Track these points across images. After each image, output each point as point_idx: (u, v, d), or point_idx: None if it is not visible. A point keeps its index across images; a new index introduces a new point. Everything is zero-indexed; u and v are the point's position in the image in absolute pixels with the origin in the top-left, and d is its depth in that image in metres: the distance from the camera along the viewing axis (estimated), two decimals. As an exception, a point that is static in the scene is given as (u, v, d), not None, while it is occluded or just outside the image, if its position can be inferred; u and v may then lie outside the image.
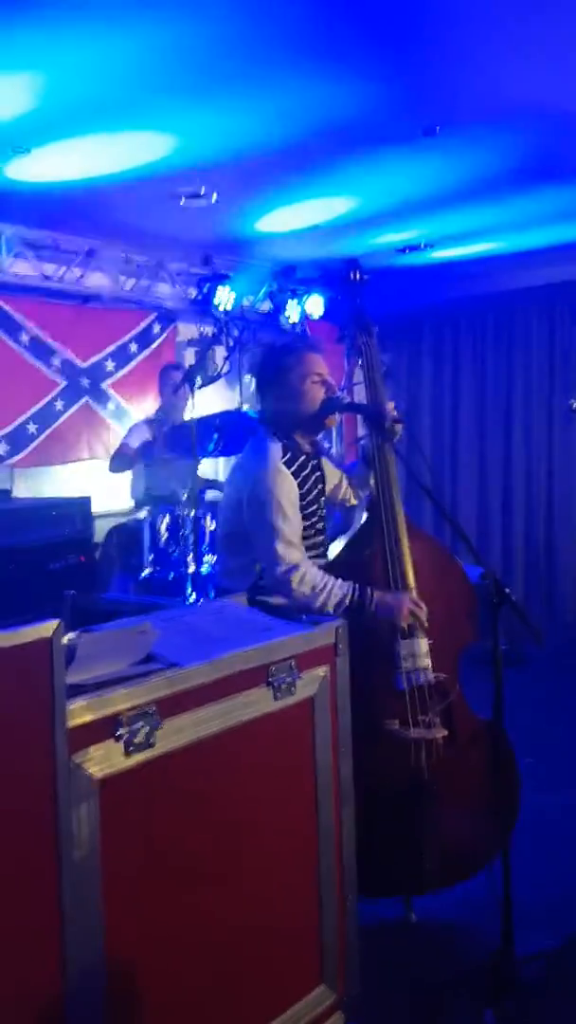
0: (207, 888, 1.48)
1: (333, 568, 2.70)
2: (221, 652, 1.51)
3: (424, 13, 2.80)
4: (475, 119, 3.67)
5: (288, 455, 2.70)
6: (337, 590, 2.55)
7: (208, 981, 1.49)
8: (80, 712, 1.34)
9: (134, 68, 3.03)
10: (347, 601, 2.53)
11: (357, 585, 2.56)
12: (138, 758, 1.38)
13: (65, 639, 1.32)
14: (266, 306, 6.15)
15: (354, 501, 3.12)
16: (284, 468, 2.65)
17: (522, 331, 6.71)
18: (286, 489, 2.62)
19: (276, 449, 2.69)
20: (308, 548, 2.73)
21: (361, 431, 4.37)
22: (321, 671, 1.71)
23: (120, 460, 5.16)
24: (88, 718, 1.35)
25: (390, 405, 2.89)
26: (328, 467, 2.98)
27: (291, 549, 2.58)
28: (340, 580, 2.57)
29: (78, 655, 1.40)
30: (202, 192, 4.34)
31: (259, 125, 3.63)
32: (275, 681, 1.61)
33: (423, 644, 2.65)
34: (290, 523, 2.60)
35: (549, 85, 3.33)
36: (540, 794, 3.82)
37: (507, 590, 2.50)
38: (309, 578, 2.54)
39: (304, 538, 2.71)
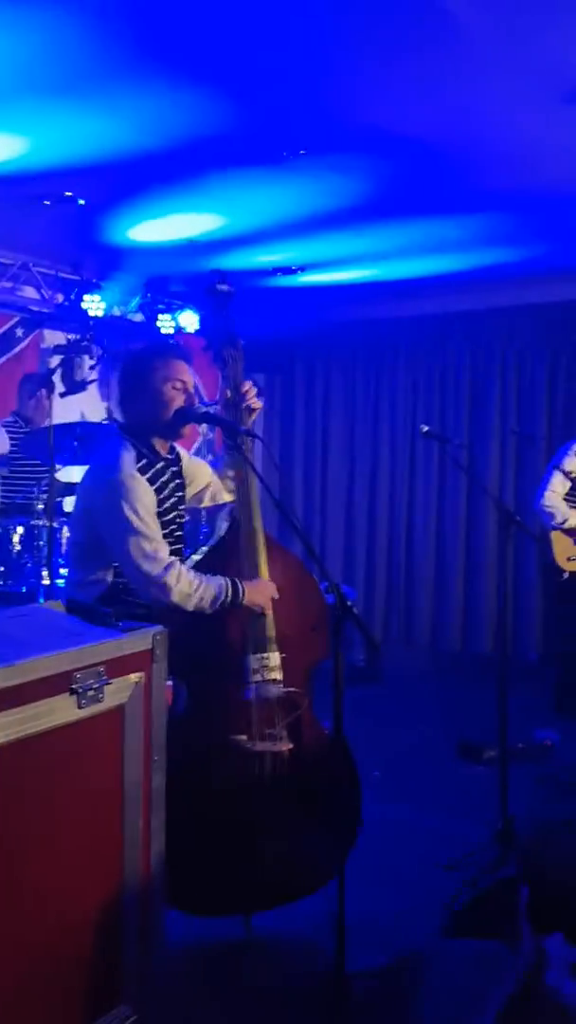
0: (-4, 905, 1.41)
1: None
2: (20, 657, 1.45)
3: (289, 36, 2.85)
4: (338, 144, 3.74)
5: (143, 462, 2.65)
6: (212, 586, 2.52)
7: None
8: None
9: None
10: (224, 594, 2.52)
11: (229, 581, 2.55)
12: None
13: None
14: (138, 317, 6.08)
15: (226, 497, 3.04)
16: (139, 475, 2.60)
17: (391, 358, 6.89)
18: (141, 495, 2.57)
19: (129, 456, 2.62)
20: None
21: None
22: (134, 678, 1.67)
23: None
24: None
25: (251, 392, 2.87)
26: (193, 470, 2.92)
27: (160, 548, 2.54)
28: (210, 577, 2.55)
29: None
30: (68, 195, 4.26)
31: (123, 131, 3.60)
32: (79, 688, 1.55)
33: (275, 657, 2.64)
34: (149, 526, 2.55)
35: (411, 115, 3.44)
36: (384, 807, 3.87)
37: (349, 603, 2.51)
38: (186, 575, 2.51)
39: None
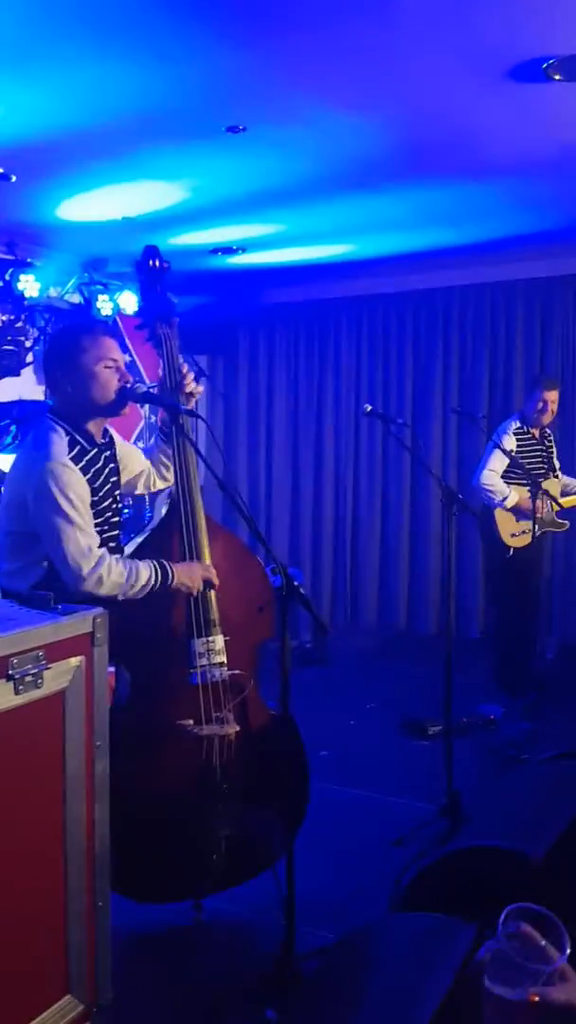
0: None
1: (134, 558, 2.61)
2: (-48, 643, 1.40)
3: (223, 9, 2.78)
4: (278, 120, 3.69)
5: (76, 449, 2.56)
6: (143, 572, 2.48)
7: None
8: None
9: None
10: (153, 579, 2.48)
11: (156, 564, 2.50)
12: None
13: None
14: (75, 298, 5.96)
15: (160, 484, 2.99)
16: (71, 463, 2.50)
17: (334, 339, 6.88)
18: (75, 485, 2.48)
19: (61, 443, 2.53)
20: (102, 543, 2.62)
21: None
22: (74, 662, 1.62)
23: None
24: None
25: (188, 377, 2.81)
26: (126, 455, 2.85)
27: (92, 540, 2.48)
28: (139, 562, 2.50)
29: None
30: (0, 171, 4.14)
31: (55, 107, 3.49)
32: (16, 674, 1.50)
33: (219, 641, 2.62)
34: (83, 516, 2.48)
35: (350, 92, 3.40)
36: (332, 786, 3.89)
37: (296, 583, 2.50)
38: (116, 565, 2.45)
39: (98, 534, 2.60)
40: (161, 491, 3.06)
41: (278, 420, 7.10)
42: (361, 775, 4.12)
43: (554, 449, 5.02)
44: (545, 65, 3.13)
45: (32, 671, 1.53)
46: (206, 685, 2.59)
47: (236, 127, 3.74)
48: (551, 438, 5.02)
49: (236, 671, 2.65)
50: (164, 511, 2.78)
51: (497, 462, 4.72)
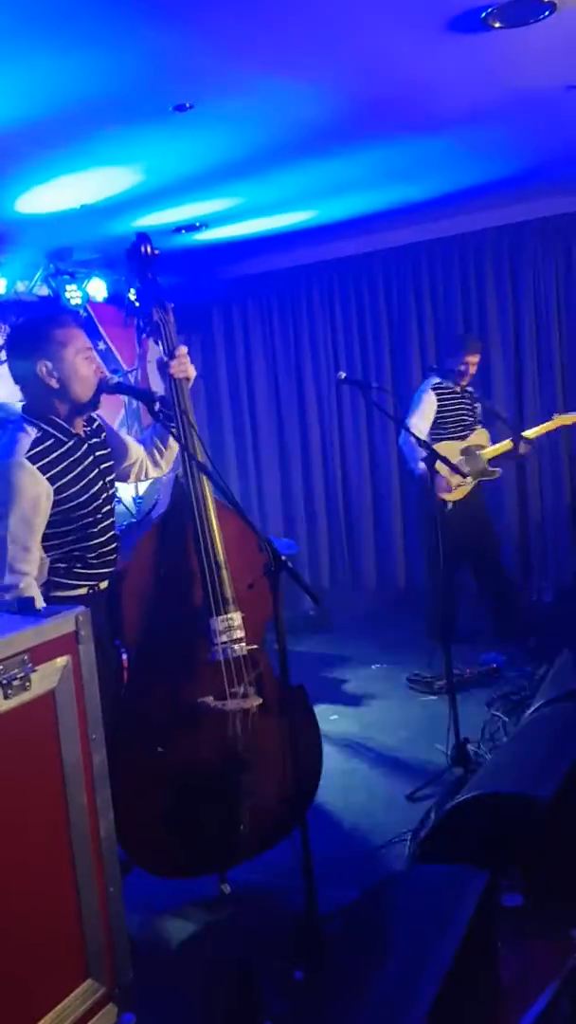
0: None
1: (144, 548, 2.63)
2: None
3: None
4: (226, 94, 3.65)
5: (50, 441, 2.53)
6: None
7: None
8: None
9: None
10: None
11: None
12: None
13: None
14: (44, 290, 5.93)
15: (153, 472, 2.98)
16: (28, 464, 2.44)
17: (307, 306, 6.85)
18: (24, 485, 2.42)
19: (25, 442, 2.48)
20: (90, 534, 2.62)
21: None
22: (61, 662, 1.66)
23: None
24: None
25: (182, 351, 2.79)
26: (118, 444, 2.83)
27: (17, 553, 2.40)
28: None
29: None
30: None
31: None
32: (3, 679, 1.54)
33: (236, 617, 2.66)
34: (21, 526, 2.41)
35: (293, 58, 3.37)
36: (343, 745, 3.96)
37: (283, 557, 2.53)
38: (25, 592, 2.38)
39: (84, 525, 2.60)
40: (156, 479, 3.06)
41: (260, 394, 7.08)
42: (371, 734, 4.19)
43: (478, 404, 5.10)
44: (484, 14, 3.09)
45: (19, 675, 1.57)
46: (227, 661, 2.63)
47: (183, 105, 3.70)
48: (473, 394, 5.09)
49: (253, 646, 2.70)
50: (169, 496, 2.78)
51: (417, 418, 4.81)
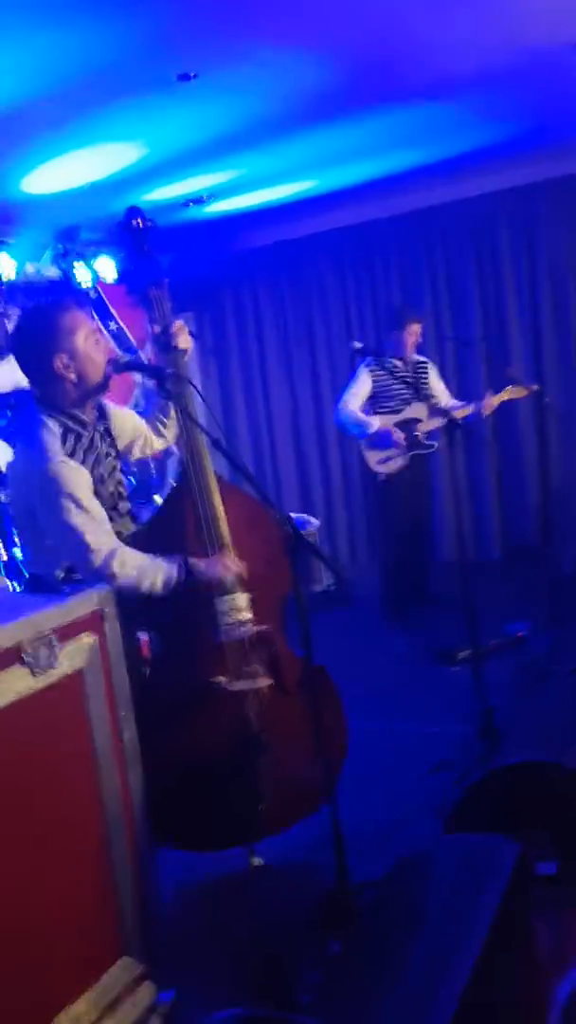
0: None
1: (149, 535, 2.60)
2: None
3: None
4: (230, 63, 3.59)
5: (71, 439, 2.49)
6: (162, 573, 2.46)
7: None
8: None
9: None
10: (173, 579, 2.46)
11: (181, 561, 2.48)
12: None
13: None
14: (53, 271, 5.88)
15: (158, 444, 2.93)
16: (69, 461, 2.43)
17: (317, 278, 6.77)
18: (76, 482, 2.42)
19: (55, 439, 2.46)
20: (112, 524, 2.60)
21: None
22: (87, 640, 1.65)
23: None
24: None
25: (182, 330, 2.74)
26: (120, 423, 2.78)
27: (102, 537, 2.43)
28: (162, 559, 2.48)
29: None
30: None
31: (1, 81, 3.42)
32: (30, 659, 1.53)
33: (241, 599, 2.64)
34: (90, 512, 2.43)
35: (298, 25, 3.30)
36: (368, 720, 3.94)
37: (308, 535, 2.50)
38: (130, 559, 2.43)
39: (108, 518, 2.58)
40: (167, 451, 3.03)
41: (272, 368, 7.03)
42: (396, 707, 4.18)
43: (430, 375, 5.11)
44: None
45: (46, 654, 1.55)
46: (232, 642, 2.62)
47: (187, 75, 3.65)
48: (425, 364, 5.12)
49: (263, 626, 2.67)
50: (172, 481, 2.76)
51: (350, 395, 4.91)
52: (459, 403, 5.15)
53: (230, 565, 2.59)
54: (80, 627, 1.62)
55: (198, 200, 5.61)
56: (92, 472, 2.51)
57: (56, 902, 1.54)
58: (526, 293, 6.10)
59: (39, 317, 2.64)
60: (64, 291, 5.60)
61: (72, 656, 1.60)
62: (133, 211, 2.89)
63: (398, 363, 4.93)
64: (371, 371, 4.91)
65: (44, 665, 1.54)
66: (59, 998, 1.53)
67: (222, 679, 2.62)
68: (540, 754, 2.84)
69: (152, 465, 5.70)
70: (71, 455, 2.48)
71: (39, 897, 1.52)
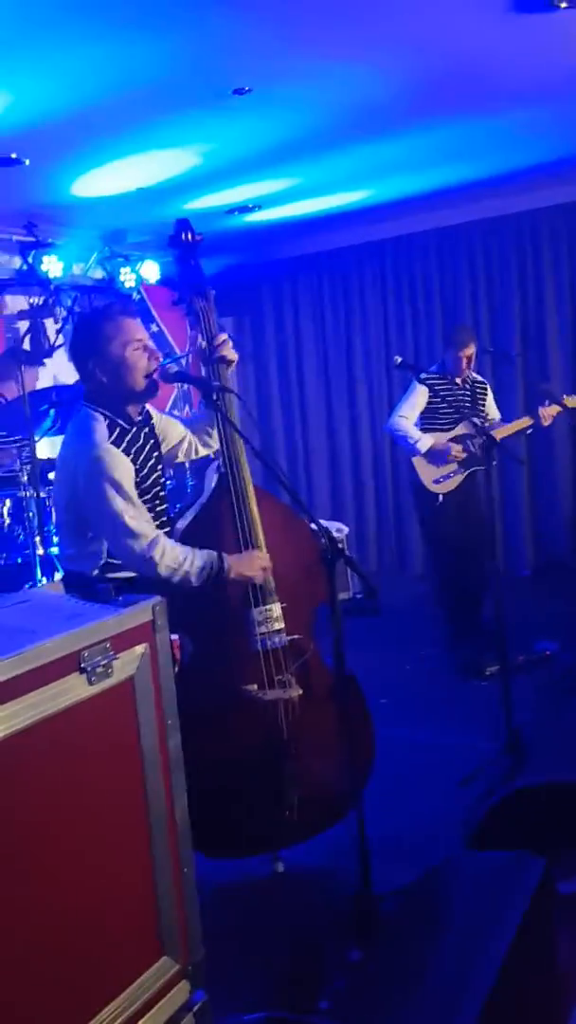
0: (33, 876, 1.47)
1: (185, 537, 2.65)
2: (28, 644, 1.49)
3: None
4: (285, 77, 3.65)
5: (117, 431, 2.59)
6: (198, 559, 2.53)
7: (41, 967, 1.48)
8: None
9: None
10: (208, 570, 2.53)
11: (216, 553, 2.55)
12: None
13: None
14: (99, 273, 5.99)
15: (202, 451, 3.01)
16: (114, 448, 2.53)
17: (358, 287, 6.81)
18: (120, 469, 2.52)
19: (101, 429, 2.56)
20: (154, 519, 2.68)
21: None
22: (139, 650, 1.71)
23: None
24: None
25: (226, 346, 2.78)
26: (164, 427, 2.86)
27: (143, 524, 2.53)
28: (198, 549, 2.55)
29: None
30: (13, 157, 4.17)
31: (60, 89, 3.50)
32: (88, 666, 1.60)
33: (276, 609, 2.68)
34: (133, 501, 2.53)
35: (353, 40, 3.35)
36: (395, 731, 3.97)
37: (340, 545, 2.55)
38: (170, 550, 2.51)
39: (148, 511, 2.65)
40: (208, 458, 3.07)
41: (309, 376, 7.07)
42: (422, 719, 4.19)
43: (488, 396, 5.01)
44: (551, -6, 3.06)
45: (102, 662, 1.62)
46: (266, 652, 2.65)
47: (242, 89, 3.72)
48: (484, 385, 5.02)
49: (295, 636, 2.71)
50: (214, 484, 2.77)
51: (407, 408, 4.79)
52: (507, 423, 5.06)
53: (263, 563, 2.63)
54: (134, 637, 1.68)
55: (244, 209, 5.67)
56: (133, 464, 2.59)
57: (103, 900, 1.61)
58: (567, 310, 6.11)
59: (83, 321, 2.86)
60: (116, 297, 5.68)
61: (126, 665, 1.66)
62: (183, 224, 2.95)
63: (457, 381, 4.88)
64: (428, 386, 4.80)
65: (100, 673, 1.61)
66: (102, 995, 1.59)
67: (254, 687, 2.66)
68: (565, 774, 2.87)
69: (187, 470, 5.76)
70: (119, 445, 2.57)
71: (88, 895, 1.58)
